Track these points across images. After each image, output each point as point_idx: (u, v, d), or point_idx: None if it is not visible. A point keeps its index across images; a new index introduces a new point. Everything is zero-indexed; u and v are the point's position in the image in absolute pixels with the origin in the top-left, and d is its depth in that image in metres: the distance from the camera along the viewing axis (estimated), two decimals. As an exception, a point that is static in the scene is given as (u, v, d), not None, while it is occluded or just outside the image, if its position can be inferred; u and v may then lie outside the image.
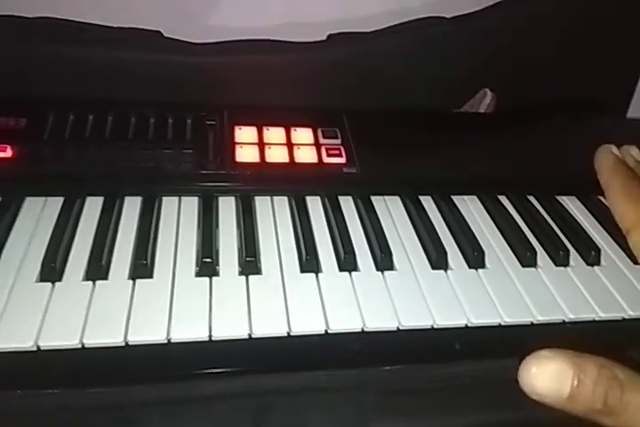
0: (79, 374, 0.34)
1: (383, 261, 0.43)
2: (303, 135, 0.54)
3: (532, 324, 0.40)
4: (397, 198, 0.51)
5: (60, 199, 0.45)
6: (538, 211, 0.51)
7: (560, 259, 0.45)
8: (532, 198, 0.53)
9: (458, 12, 0.63)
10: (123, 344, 0.35)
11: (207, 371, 0.35)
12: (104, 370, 0.34)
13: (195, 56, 0.52)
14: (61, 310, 0.36)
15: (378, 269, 0.43)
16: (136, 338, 0.35)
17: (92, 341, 0.35)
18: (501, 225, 0.49)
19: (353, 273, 0.42)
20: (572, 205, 0.53)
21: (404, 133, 0.56)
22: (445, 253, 0.44)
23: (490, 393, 0.37)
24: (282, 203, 0.49)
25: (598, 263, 0.46)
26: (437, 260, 0.44)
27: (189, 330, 0.36)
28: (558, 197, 0.53)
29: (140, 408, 0.34)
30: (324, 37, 0.57)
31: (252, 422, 0.35)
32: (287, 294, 0.40)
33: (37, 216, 0.44)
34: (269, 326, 0.37)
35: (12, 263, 0.39)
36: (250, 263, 0.41)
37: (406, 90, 0.62)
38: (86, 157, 0.48)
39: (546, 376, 0.28)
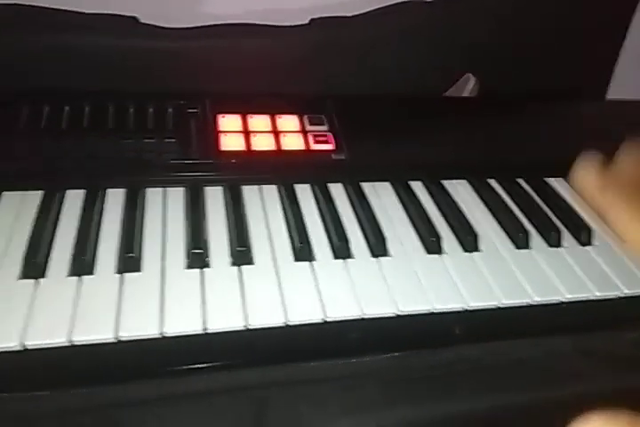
0: (68, 374, 0.33)
1: (377, 247, 0.42)
2: (289, 122, 0.53)
3: (530, 305, 0.40)
4: (388, 184, 0.50)
5: (39, 193, 0.44)
6: (528, 193, 0.51)
7: (553, 240, 0.45)
8: (521, 181, 0.53)
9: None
10: (114, 340, 0.34)
11: (203, 365, 0.34)
12: (95, 368, 0.33)
13: (173, 41, 0.50)
14: (47, 308, 0.35)
15: (373, 255, 0.42)
16: (127, 334, 0.34)
17: (80, 338, 0.33)
18: (493, 208, 0.49)
19: (348, 260, 0.41)
20: (560, 186, 0.53)
21: (392, 118, 0.55)
22: (439, 237, 0.43)
23: (492, 376, 0.37)
24: (271, 192, 0.48)
25: (590, 243, 0.46)
26: (432, 244, 0.43)
27: (182, 323, 0.35)
28: (547, 179, 0.53)
29: (135, 406, 0.32)
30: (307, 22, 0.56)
31: (254, 414, 0.34)
32: (282, 284, 0.39)
33: (16, 211, 0.42)
34: (265, 316, 0.36)
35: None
36: (241, 253, 0.40)
37: (388, 75, 0.61)
38: (64, 148, 0.46)
39: None
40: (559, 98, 0.64)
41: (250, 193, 0.47)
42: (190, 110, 0.52)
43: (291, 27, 0.54)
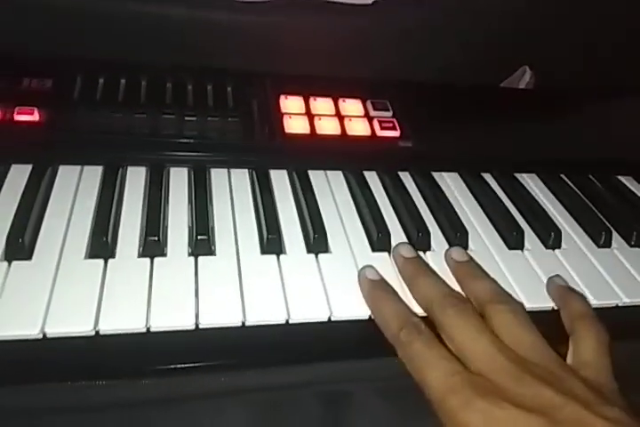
0: (144, 361, 0.31)
1: (460, 240, 0.40)
2: (352, 107, 0.50)
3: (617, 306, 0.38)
4: (456, 175, 0.48)
5: (99, 168, 0.41)
6: (601, 189, 0.49)
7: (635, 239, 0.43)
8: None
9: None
10: (192, 328, 0.31)
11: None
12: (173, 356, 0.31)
13: (244, 14, 0.48)
14: (120, 289, 0.32)
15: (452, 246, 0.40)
16: (206, 321, 0.32)
17: (158, 324, 0.31)
18: (568, 204, 0.47)
19: (427, 253, 0.39)
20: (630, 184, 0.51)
21: (458, 107, 0.52)
22: (522, 232, 0.41)
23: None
24: (337, 178, 0.45)
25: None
26: (514, 239, 0.41)
27: (264, 313, 0.33)
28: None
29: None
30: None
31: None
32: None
33: (75, 187, 0.39)
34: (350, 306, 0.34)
35: (55, 239, 0.35)
36: (318, 241, 0.38)
37: (451, 62, 0.58)
38: (124, 123, 0.43)
39: None
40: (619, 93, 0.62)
41: (317, 178, 0.45)
42: (251, 90, 0.49)
43: (356, 5, 0.51)
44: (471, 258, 0.37)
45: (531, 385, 0.28)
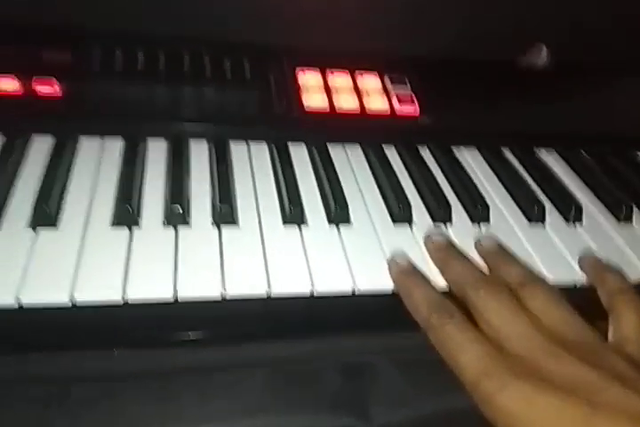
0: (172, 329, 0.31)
1: (481, 214, 0.40)
2: (370, 81, 0.50)
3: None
4: (475, 149, 0.48)
5: (120, 141, 0.41)
6: (620, 166, 0.49)
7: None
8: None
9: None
10: (219, 299, 0.32)
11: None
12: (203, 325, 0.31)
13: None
14: (145, 257, 0.32)
15: (473, 221, 0.40)
16: (233, 291, 0.32)
17: (185, 294, 0.31)
18: (587, 180, 0.46)
19: (448, 225, 0.39)
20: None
21: (476, 83, 0.52)
22: (543, 206, 0.41)
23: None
24: (356, 151, 0.45)
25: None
26: (535, 213, 0.41)
27: (290, 284, 0.33)
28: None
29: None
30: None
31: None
32: (383, 246, 0.36)
33: (97, 158, 0.39)
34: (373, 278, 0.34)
35: (81, 207, 0.35)
36: (340, 212, 0.38)
37: (464, 35, 0.57)
38: (143, 94, 0.43)
39: None
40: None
41: (336, 152, 0.44)
42: (268, 62, 0.49)
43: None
44: (502, 245, 0.37)
45: (571, 364, 0.27)
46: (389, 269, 0.35)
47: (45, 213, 0.33)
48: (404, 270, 0.34)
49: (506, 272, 0.34)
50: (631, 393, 0.25)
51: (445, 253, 0.35)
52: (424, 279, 0.33)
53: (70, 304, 0.30)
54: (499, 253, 0.36)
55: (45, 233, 0.33)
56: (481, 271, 0.34)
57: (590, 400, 0.25)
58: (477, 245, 0.37)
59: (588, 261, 0.37)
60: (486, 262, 0.36)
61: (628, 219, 0.42)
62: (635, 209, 0.43)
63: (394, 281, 0.34)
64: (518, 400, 0.26)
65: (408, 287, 0.33)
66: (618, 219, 0.42)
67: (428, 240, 0.37)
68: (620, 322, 0.31)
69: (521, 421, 0.25)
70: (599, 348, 0.28)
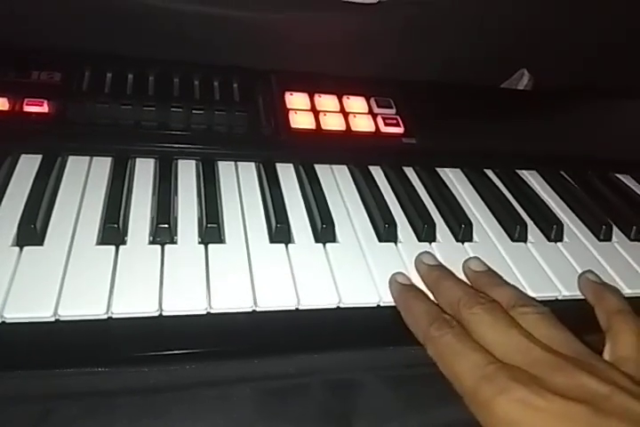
0: (156, 344, 0.31)
1: (464, 234, 0.40)
2: (356, 104, 0.51)
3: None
4: (459, 171, 0.49)
5: (109, 159, 0.41)
6: (600, 186, 0.50)
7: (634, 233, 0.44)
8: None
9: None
10: (204, 313, 0.32)
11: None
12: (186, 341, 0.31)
13: (252, 11, 0.48)
14: (131, 275, 0.32)
15: (457, 240, 0.40)
16: (218, 307, 0.32)
17: (170, 309, 0.31)
18: (568, 200, 0.47)
19: (433, 244, 0.40)
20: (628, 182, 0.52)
21: (460, 106, 0.53)
22: (526, 225, 0.42)
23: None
24: (342, 171, 0.46)
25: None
26: (517, 232, 0.41)
27: (274, 299, 0.33)
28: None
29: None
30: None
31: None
32: (369, 264, 0.37)
33: (85, 177, 0.40)
34: (359, 294, 0.34)
35: (66, 226, 0.35)
36: (326, 230, 0.38)
37: (452, 62, 0.59)
38: (132, 115, 0.43)
39: None
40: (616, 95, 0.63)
41: (323, 172, 0.45)
42: (256, 86, 0.50)
43: (361, 4, 0.52)
44: (489, 267, 0.37)
45: (573, 374, 0.26)
46: (390, 286, 0.35)
47: (31, 232, 0.33)
48: (405, 287, 0.35)
49: (496, 293, 0.33)
50: (635, 401, 0.25)
51: (437, 274, 0.36)
52: (424, 295, 0.34)
53: (54, 320, 0.30)
54: (487, 275, 0.36)
55: (30, 250, 0.33)
56: (474, 290, 0.34)
57: (594, 407, 0.25)
58: (465, 267, 0.37)
59: (587, 280, 0.37)
60: (475, 285, 0.36)
61: (608, 237, 0.43)
62: (614, 228, 0.44)
63: (394, 297, 0.34)
64: (519, 405, 0.25)
65: (408, 302, 0.33)
66: (598, 238, 0.43)
67: (418, 262, 0.37)
68: (617, 342, 0.31)
69: None
70: (598, 363, 0.28)
